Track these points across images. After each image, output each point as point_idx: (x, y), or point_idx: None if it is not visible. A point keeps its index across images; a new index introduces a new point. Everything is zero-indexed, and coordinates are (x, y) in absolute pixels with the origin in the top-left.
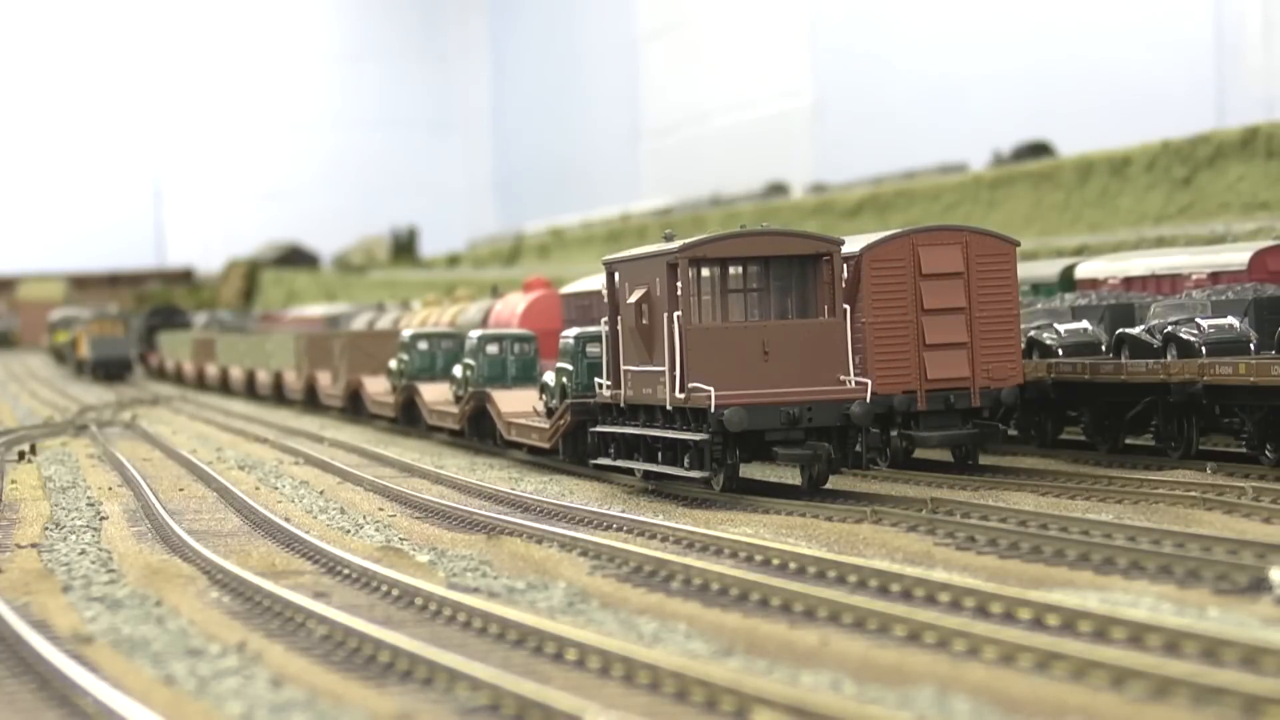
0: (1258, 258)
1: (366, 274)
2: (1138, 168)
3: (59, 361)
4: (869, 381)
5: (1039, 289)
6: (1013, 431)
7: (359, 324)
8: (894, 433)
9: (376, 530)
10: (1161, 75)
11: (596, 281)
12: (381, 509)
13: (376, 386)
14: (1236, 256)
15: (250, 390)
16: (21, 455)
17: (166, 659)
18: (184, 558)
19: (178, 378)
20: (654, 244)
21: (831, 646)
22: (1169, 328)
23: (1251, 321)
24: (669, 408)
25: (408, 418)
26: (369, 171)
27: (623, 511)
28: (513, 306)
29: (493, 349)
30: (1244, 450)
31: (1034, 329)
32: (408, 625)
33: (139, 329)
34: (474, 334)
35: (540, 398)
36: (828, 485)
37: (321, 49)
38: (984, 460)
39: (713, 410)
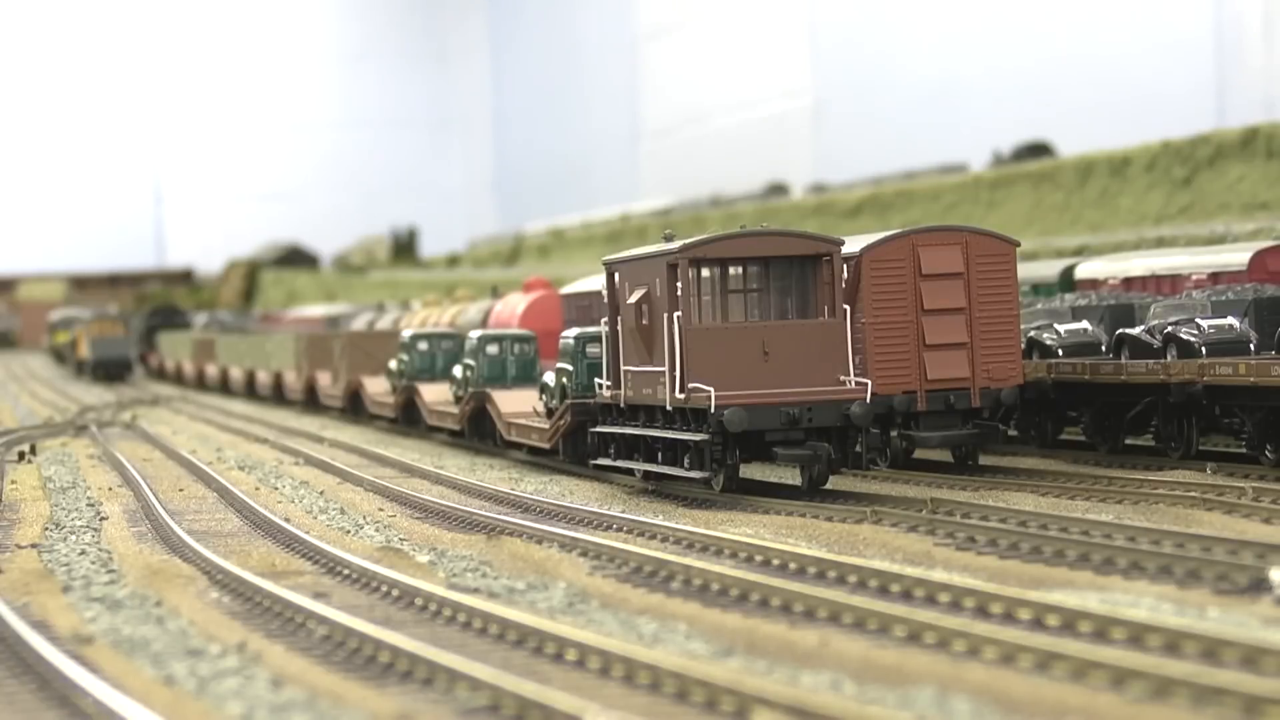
0: (1258, 258)
1: (366, 274)
2: (1138, 168)
3: (59, 362)
4: (869, 382)
5: (1039, 289)
6: (1013, 432)
7: (359, 324)
8: (894, 433)
9: (376, 530)
10: (1161, 75)
11: (596, 281)
12: (381, 509)
13: (376, 387)
14: (1236, 256)
15: (250, 391)
16: (21, 455)
17: (166, 659)
18: (184, 558)
19: (178, 378)
20: (654, 244)
21: (831, 646)
22: (1169, 328)
23: (1251, 322)
24: (669, 408)
25: (408, 418)
26: (369, 171)
27: (623, 512)
28: (513, 307)
29: (493, 349)
30: (1244, 450)
31: (1034, 329)
32: (408, 625)
33: (139, 329)
34: (474, 334)
35: (540, 398)
36: (828, 485)
37: (321, 49)
38: (984, 460)
39: (713, 410)
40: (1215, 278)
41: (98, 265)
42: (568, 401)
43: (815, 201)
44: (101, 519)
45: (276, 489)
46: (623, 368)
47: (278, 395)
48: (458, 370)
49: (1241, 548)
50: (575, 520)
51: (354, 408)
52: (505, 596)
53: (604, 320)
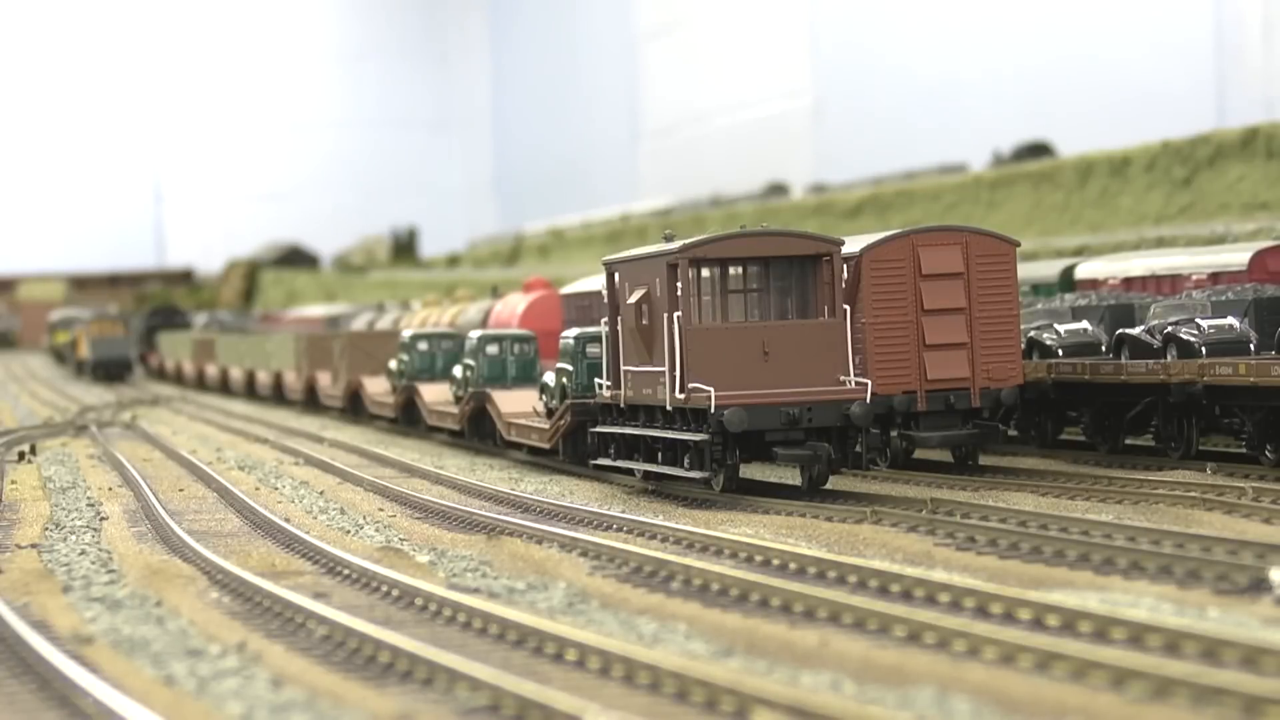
0: (1258, 258)
1: (366, 274)
2: (1138, 168)
3: (59, 362)
4: (869, 382)
5: (1039, 289)
6: (1013, 432)
7: (359, 324)
8: (894, 433)
9: (376, 531)
10: (1161, 75)
11: (596, 282)
12: (381, 509)
13: (376, 387)
14: (1236, 257)
15: (250, 391)
16: (21, 455)
17: (166, 659)
18: (184, 558)
19: (178, 378)
20: (654, 244)
21: (831, 647)
22: (1169, 328)
23: (1251, 322)
24: (669, 408)
25: (408, 418)
26: (369, 171)
27: (623, 512)
28: (513, 307)
29: (493, 349)
30: (1244, 450)
31: (1034, 329)
32: (408, 625)
33: (139, 329)
34: (474, 334)
35: (540, 398)
36: (828, 485)
37: (321, 49)
38: (984, 460)
39: (713, 410)
40: (1215, 278)
41: (98, 265)
42: (568, 401)
43: (815, 201)
44: (101, 519)
45: (276, 489)
46: (623, 368)
47: (278, 395)
48: (458, 370)
49: (1241, 548)
50: (575, 520)
51: (354, 408)
52: (505, 596)
53: (604, 320)
